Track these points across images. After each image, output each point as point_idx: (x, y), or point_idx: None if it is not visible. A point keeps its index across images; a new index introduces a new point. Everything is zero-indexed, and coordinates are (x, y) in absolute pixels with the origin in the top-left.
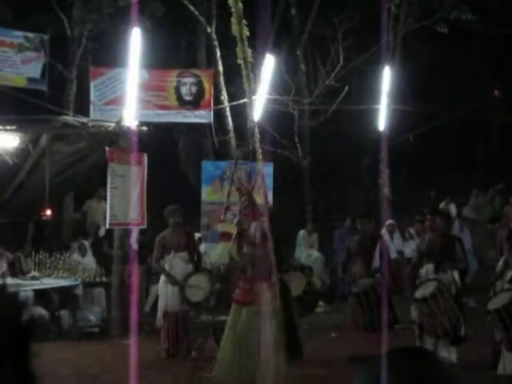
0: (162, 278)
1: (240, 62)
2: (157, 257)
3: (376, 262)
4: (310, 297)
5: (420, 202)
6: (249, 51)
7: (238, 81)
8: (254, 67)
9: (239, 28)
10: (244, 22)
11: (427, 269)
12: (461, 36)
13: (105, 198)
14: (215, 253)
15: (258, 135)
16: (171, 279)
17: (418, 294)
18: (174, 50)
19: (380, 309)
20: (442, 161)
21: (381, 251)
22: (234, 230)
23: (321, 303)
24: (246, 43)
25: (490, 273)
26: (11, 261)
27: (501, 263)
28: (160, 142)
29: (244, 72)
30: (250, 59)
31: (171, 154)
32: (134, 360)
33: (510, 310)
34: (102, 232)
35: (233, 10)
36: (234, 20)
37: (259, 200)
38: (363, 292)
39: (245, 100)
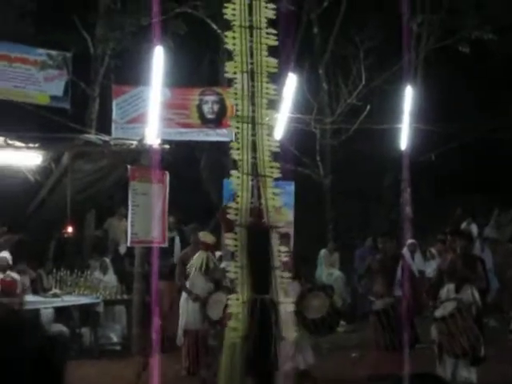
0: (183, 295)
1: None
2: (179, 274)
3: (397, 282)
4: (332, 317)
5: (441, 221)
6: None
7: None
8: (277, 85)
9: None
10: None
11: (448, 288)
12: (482, 55)
13: (126, 216)
14: None
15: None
16: (192, 296)
17: (438, 313)
18: (196, 68)
19: (401, 328)
20: (464, 180)
21: (402, 270)
22: None
23: (342, 322)
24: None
25: (511, 292)
26: (33, 278)
27: None
28: (182, 160)
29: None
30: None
31: (193, 172)
32: (155, 378)
33: None
34: (122, 249)
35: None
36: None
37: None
38: (384, 311)
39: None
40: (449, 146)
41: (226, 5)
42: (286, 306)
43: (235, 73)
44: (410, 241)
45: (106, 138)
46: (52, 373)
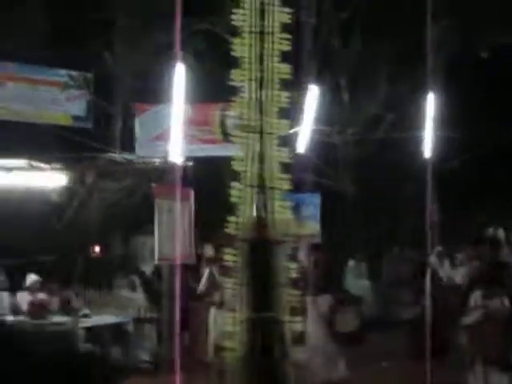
0: (213, 311)
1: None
2: (209, 290)
3: (427, 290)
4: (362, 330)
5: (468, 227)
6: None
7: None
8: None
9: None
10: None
11: (476, 296)
12: (506, 60)
13: (152, 234)
14: None
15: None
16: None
17: (466, 320)
18: (217, 83)
19: (432, 337)
20: (489, 187)
21: (431, 278)
22: None
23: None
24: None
25: None
26: (63, 298)
27: None
28: (207, 177)
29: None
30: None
31: (219, 189)
32: None
33: None
34: (149, 267)
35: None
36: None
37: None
38: (414, 320)
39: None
40: (473, 152)
41: (234, 10)
42: (295, 325)
43: (243, 81)
44: (437, 248)
45: (130, 156)
46: None
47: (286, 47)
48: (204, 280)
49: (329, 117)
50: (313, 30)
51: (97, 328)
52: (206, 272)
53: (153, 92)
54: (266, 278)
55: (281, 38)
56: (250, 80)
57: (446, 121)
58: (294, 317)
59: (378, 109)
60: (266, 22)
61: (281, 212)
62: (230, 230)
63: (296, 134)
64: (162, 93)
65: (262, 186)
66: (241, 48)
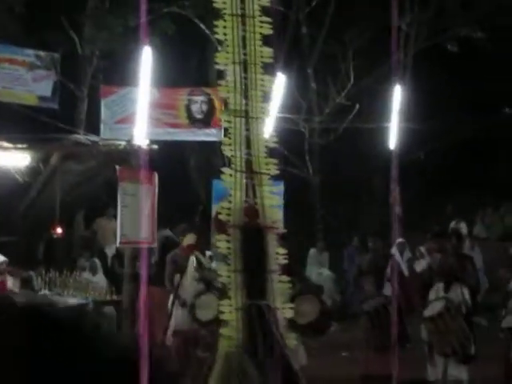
0: (172, 295)
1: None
2: (169, 275)
3: (387, 281)
4: (323, 320)
5: (431, 220)
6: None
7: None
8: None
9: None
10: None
11: (437, 288)
12: (472, 54)
13: (115, 217)
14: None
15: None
16: (180, 300)
17: (427, 312)
18: (184, 68)
19: (391, 328)
20: (453, 178)
21: (392, 270)
22: None
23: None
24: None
25: (501, 291)
26: (25, 279)
27: None
28: (171, 161)
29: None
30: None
31: (182, 173)
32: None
33: None
34: (111, 250)
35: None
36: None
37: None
38: (375, 311)
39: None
40: (438, 144)
41: None
42: (285, 312)
43: (227, 64)
44: (399, 240)
45: (95, 138)
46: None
47: (267, 31)
48: (189, 267)
49: (296, 104)
50: (282, 18)
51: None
52: (191, 259)
53: (120, 75)
54: (259, 264)
55: (261, 22)
56: (234, 63)
57: (412, 112)
58: (285, 303)
59: (345, 98)
60: (246, 5)
61: (270, 198)
62: (222, 216)
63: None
64: (128, 76)
65: (251, 172)
66: (223, 30)
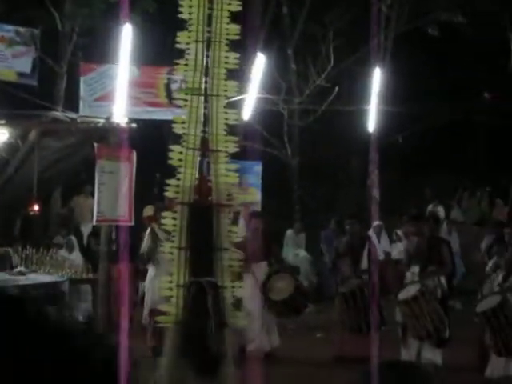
0: (150, 273)
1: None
2: (150, 249)
3: (364, 263)
4: (299, 299)
5: (408, 203)
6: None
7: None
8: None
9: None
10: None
11: (413, 271)
12: (452, 38)
13: (92, 195)
14: None
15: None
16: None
17: (401, 295)
18: (165, 47)
19: (367, 310)
20: (431, 162)
21: (369, 252)
22: None
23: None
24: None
25: (476, 275)
26: (1, 255)
27: (490, 266)
28: (149, 139)
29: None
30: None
31: (161, 152)
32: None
33: (497, 314)
34: (87, 228)
35: None
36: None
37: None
38: (350, 292)
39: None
40: (416, 127)
41: None
42: (235, 291)
43: (189, 43)
44: (376, 223)
45: (74, 115)
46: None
47: (236, 8)
48: (146, 239)
49: (275, 85)
50: None
51: (32, 286)
52: (147, 231)
53: (100, 52)
54: (207, 242)
55: None
56: (197, 42)
57: (391, 95)
58: (234, 282)
59: (325, 80)
60: None
61: (226, 175)
62: (170, 193)
63: (242, 101)
64: (108, 53)
65: (204, 149)
66: (188, 10)
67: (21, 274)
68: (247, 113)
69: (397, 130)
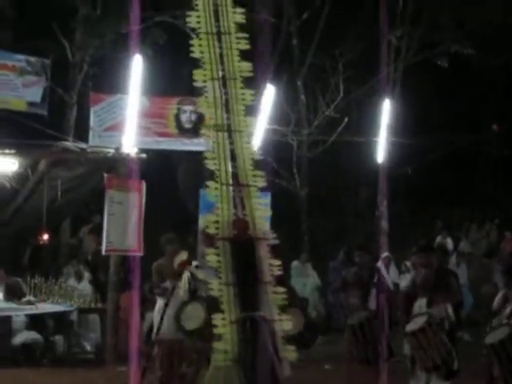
0: (158, 304)
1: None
2: (155, 284)
3: (373, 296)
4: (307, 336)
5: (417, 234)
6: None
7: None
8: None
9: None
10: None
11: (420, 303)
12: (461, 70)
13: (101, 225)
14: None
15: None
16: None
17: (409, 327)
18: (175, 77)
19: (375, 342)
20: (440, 194)
21: (378, 284)
22: None
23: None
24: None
25: (485, 307)
26: (10, 285)
27: (498, 298)
28: (159, 170)
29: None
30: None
31: (170, 182)
32: None
33: (506, 346)
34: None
35: None
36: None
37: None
38: (359, 324)
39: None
40: (426, 159)
41: (189, 13)
42: (283, 324)
43: (205, 81)
44: (384, 254)
45: (83, 145)
46: None
47: (245, 46)
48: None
49: (284, 116)
50: (273, 29)
51: (41, 316)
52: (184, 276)
53: (110, 82)
54: (252, 276)
55: (238, 38)
56: (213, 79)
57: (400, 127)
58: (281, 315)
59: (334, 111)
60: (221, 23)
61: (259, 209)
62: (211, 229)
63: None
64: (119, 83)
65: (238, 184)
66: (199, 48)
67: (30, 303)
68: (256, 144)
69: (406, 161)
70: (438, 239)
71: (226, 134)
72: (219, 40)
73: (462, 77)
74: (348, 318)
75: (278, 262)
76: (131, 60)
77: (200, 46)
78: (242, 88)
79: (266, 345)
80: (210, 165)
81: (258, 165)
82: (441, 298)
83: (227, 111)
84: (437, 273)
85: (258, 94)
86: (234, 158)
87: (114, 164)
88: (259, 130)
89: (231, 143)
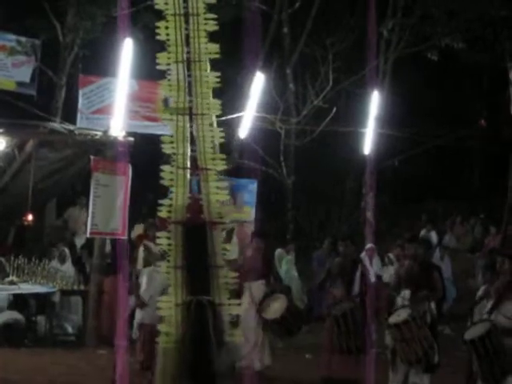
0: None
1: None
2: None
3: (356, 286)
4: (290, 321)
5: (402, 226)
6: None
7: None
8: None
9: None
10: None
11: (404, 295)
12: (451, 63)
13: (87, 207)
14: None
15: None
16: (139, 302)
17: (392, 319)
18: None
19: (357, 332)
20: (426, 187)
21: (361, 275)
22: None
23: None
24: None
25: (468, 301)
26: None
27: (480, 293)
28: (146, 154)
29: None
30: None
31: (157, 166)
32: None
33: (485, 342)
34: (81, 240)
35: None
36: None
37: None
38: (342, 315)
39: (232, 116)
40: (413, 152)
41: None
42: (232, 308)
43: (169, 64)
44: (368, 245)
45: (71, 127)
46: None
47: (213, 27)
48: (141, 257)
49: (273, 104)
50: (264, 17)
51: (23, 296)
52: (140, 249)
53: (100, 65)
54: (202, 260)
55: (206, 19)
56: (177, 62)
57: (388, 118)
58: (231, 299)
59: (323, 101)
60: (189, 3)
61: (216, 193)
62: (164, 213)
63: (239, 119)
64: (108, 66)
65: (194, 168)
66: (165, 31)
67: (12, 283)
68: (244, 131)
69: (393, 153)
70: (423, 232)
71: (186, 117)
72: (186, 22)
73: (451, 70)
74: (332, 309)
75: (230, 247)
76: (121, 43)
77: (166, 28)
78: (206, 70)
79: (208, 329)
80: (167, 149)
81: (222, 148)
82: (424, 294)
83: (190, 94)
84: (420, 266)
85: (247, 81)
86: (193, 142)
87: (101, 147)
88: (247, 116)
89: (191, 126)
